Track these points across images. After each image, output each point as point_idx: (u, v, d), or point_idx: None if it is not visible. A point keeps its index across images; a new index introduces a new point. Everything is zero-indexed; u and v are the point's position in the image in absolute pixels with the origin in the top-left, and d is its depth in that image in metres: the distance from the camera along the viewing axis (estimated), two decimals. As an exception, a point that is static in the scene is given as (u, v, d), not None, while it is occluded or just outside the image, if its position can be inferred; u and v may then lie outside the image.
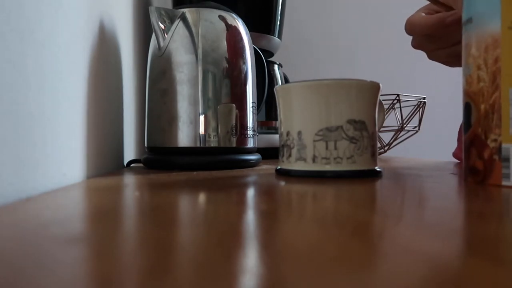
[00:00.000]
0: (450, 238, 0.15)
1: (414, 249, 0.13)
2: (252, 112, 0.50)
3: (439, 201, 0.25)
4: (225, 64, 0.47)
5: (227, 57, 0.47)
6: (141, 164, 0.54)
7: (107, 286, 0.10)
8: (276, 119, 0.77)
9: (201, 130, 0.46)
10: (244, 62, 0.49)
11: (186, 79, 0.46)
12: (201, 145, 0.46)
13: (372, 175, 0.36)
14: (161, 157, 0.47)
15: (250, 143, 0.50)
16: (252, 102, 0.51)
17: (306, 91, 0.36)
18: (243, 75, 0.49)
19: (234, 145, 0.47)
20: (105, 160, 0.46)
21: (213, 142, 0.46)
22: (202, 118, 0.46)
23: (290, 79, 0.88)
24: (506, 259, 0.12)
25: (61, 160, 0.33)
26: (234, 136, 0.47)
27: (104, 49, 0.46)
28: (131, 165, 0.54)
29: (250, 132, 0.49)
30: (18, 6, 0.26)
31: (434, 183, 0.34)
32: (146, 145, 0.50)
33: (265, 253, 0.13)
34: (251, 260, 0.12)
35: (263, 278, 0.10)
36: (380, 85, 0.37)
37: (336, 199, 0.25)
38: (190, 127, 0.46)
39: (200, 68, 0.46)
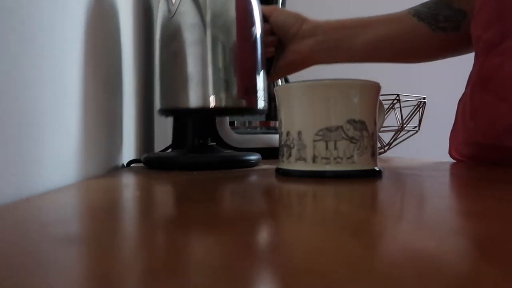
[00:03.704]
0: (450, 239, 0.15)
1: (414, 249, 0.13)
2: (262, 73, 0.50)
3: (439, 201, 0.25)
4: (235, 26, 0.47)
5: (236, 18, 0.48)
6: (141, 164, 0.54)
7: (107, 286, 0.10)
8: (275, 119, 0.77)
9: (213, 91, 0.46)
10: (253, 24, 0.49)
11: (196, 41, 0.46)
12: (214, 106, 0.46)
13: (372, 175, 0.36)
14: (161, 157, 0.47)
15: (261, 104, 0.50)
16: (262, 63, 0.51)
17: (306, 91, 0.36)
18: (252, 37, 0.49)
19: (244, 105, 0.47)
20: (105, 160, 0.46)
21: (224, 102, 0.46)
22: (213, 78, 0.46)
23: (290, 79, 0.88)
24: (508, 259, 0.12)
25: (61, 160, 0.33)
26: (245, 96, 0.48)
27: (105, 48, 0.46)
28: (131, 165, 0.54)
29: (260, 93, 0.49)
30: (18, 6, 0.26)
31: (434, 183, 0.34)
32: (159, 108, 0.50)
33: (265, 253, 0.13)
34: (251, 260, 0.12)
35: (262, 278, 0.10)
36: (380, 85, 0.37)
37: (336, 199, 0.25)
38: (202, 88, 0.46)
39: (209, 30, 0.46)
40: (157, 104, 0.50)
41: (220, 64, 0.47)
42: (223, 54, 0.47)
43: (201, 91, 0.46)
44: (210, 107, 0.46)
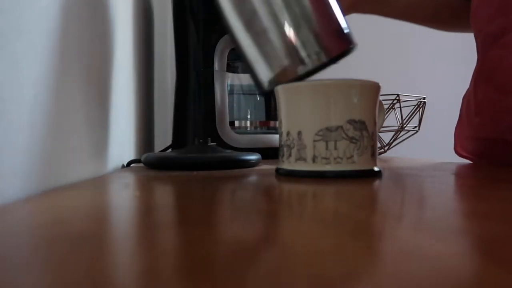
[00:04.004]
0: (452, 239, 0.15)
1: (415, 250, 0.13)
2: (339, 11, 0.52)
3: (439, 201, 0.25)
4: None
5: None
6: (141, 164, 0.54)
7: (106, 286, 0.10)
8: (275, 119, 0.77)
9: (314, 47, 0.45)
10: None
11: (276, 11, 0.46)
12: (326, 59, 0.44)
13: (372, 175, 0.36)
14: (161, 157, 0.47)
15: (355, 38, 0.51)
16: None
17: (306, 91, 0.36)
18: None
19: (347, 46, 0.47)
20: (105, 160, 0.46)
21: (330, 52, 0.45)
22: (309, 35, 0.46)
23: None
24: (509, 259, 0.12)
25: (60, 160, 0.33)
26: (343, 38, 0.48)
27: (103, 48, 0.46)
28: (131, 165, 0.54)
29: (349, 28, 0.50)
30: (18, 6, 0.26)
31: (434, 183, 0.34)
32: (272, 87, 0.49)
33: (265, 253, 0.13)
34: (250, 261, 0.12)
35: (262, 279, 0.10)
36: (380, 85, 0.37)
37: (336, 199, 0.25)
38: (301, 50, 0.46)
39: None
40: (267, 84, 0.49)
41: (307, 19, 0.46)
42: (301, 12, 0.47)
43: (306, 52, 0.46)
44: (324, 61, 0.45)
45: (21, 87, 0.26)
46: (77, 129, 0.36)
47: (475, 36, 0.54)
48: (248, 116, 0.77)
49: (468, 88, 0.56)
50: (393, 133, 0.78)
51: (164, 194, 0.28)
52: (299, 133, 0.36)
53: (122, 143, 0.55)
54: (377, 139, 0.38)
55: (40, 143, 0.29)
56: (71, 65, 0.35)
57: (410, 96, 0.76)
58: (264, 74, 0.47)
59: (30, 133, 0.27)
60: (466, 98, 0.57)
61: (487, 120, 0.50)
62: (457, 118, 0.64)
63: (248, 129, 0.74)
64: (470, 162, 0.59)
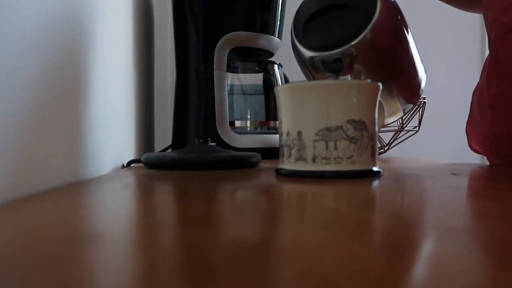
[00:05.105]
0: (453, 239, 0.15)
1: (415, 250, 0.13)
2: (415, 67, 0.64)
3: (439, 201, 0.25)
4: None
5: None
6: (141, 164, 0.54)
7: (107, 286, 0.10)
8: (275, 119, 0.77)
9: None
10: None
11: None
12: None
13: (372, 175, 0.36)
14: (161, 156, 0.47)
15: (423, 82, 0.64)
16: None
17: (306, 91, 0.36)
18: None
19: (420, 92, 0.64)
20: (105, 160, 0.46)
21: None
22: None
23: (290, 79, 0.88)
24: (509, 259, 0.12)
25: (61, 159, 0.33)
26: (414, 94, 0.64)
27: (103, 48, 0.46)
28: (131, 165, 0.54)
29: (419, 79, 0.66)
30: (18, 6, 0.26)
31: (434, 183, 0.34)
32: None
33: (265, 254, 0.13)
34: (251, 261, 0.12)
35: (262, 278, 0.10)
36: (380, 85, 0.37)
37: (336, 199, 0.25)
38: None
39: None
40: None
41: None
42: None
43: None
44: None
45: (16, 88, 0.26)
46: (74, 129, 0.37)
47: (487, 27, 0.52)
48: (248, 116, 0.77)
49: (480, 81, 0.54)
50: (393, 133, 0.78)
51: (164, 194, 0.28)
52: (299, 133, 0.36)
53: (122, 143, 0.55)
54: (377, 139, 0.38)
55: (27, 145, 0.29)
56: (68, 65, 0.35)
57: (410, 96, 0.75)
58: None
59: (21, 133, 0.27)
60: (477, 91, 0.55)
61: (501, 114, 0.48)
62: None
63: (248, 129, 0.74)
64: (470, 162, 0.59)
